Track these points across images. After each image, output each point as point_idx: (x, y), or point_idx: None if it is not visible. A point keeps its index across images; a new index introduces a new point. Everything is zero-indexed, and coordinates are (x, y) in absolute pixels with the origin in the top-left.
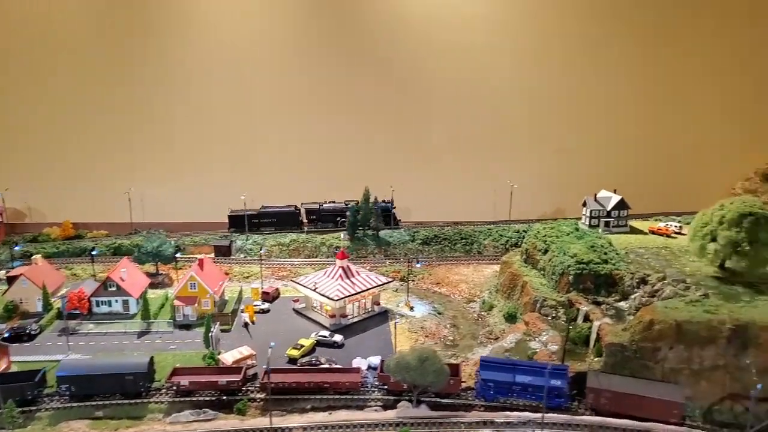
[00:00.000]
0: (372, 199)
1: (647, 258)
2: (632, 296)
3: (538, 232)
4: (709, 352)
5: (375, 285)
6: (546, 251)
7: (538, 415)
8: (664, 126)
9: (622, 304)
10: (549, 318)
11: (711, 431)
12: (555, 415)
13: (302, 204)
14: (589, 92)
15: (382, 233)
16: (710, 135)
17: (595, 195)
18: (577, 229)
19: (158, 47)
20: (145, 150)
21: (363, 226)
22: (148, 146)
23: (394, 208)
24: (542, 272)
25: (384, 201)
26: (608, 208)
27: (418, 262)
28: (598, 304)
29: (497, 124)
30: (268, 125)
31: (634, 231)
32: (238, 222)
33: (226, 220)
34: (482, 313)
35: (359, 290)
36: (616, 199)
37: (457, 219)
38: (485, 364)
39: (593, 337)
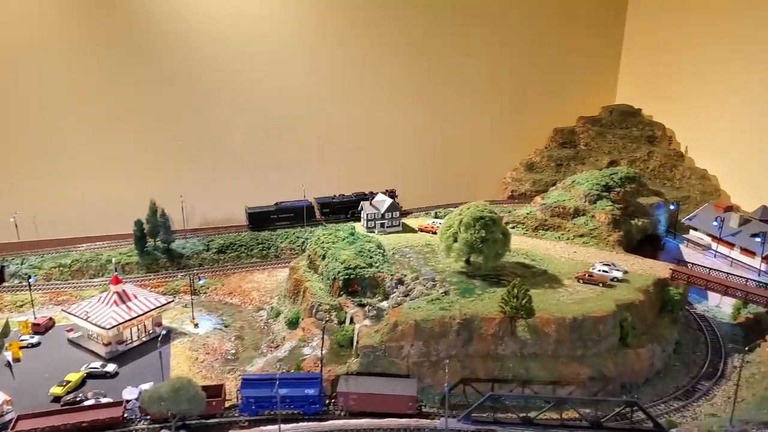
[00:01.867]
0: (159, 211)
1: (410, 257)
2: (392, 296)
3: (318, 237)
4: (443, 345)
5: (153, 307)
6: (324, 257)
7: (293, 425)
8: (443, 123)
9: (384, 305)
10: (323, 322)
11: (448, 414)
12: (305, 424)
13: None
14: (370, 91)
15: (173, 244)
16: (485, 130)
17: (371, 200)
18: (352, 234)
19: None
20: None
21: (153, 238)
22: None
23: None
24: (322, 277)
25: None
26: (382, 211)
27: (200, 279)
28: (362, 306)
29: (285, 125)
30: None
31: (408, 230)
32: (258, 218)
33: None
34: (269, 320)
35: (135, 315)
36: (388, 201)
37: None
38: (246, 382)
39: (356, 339)
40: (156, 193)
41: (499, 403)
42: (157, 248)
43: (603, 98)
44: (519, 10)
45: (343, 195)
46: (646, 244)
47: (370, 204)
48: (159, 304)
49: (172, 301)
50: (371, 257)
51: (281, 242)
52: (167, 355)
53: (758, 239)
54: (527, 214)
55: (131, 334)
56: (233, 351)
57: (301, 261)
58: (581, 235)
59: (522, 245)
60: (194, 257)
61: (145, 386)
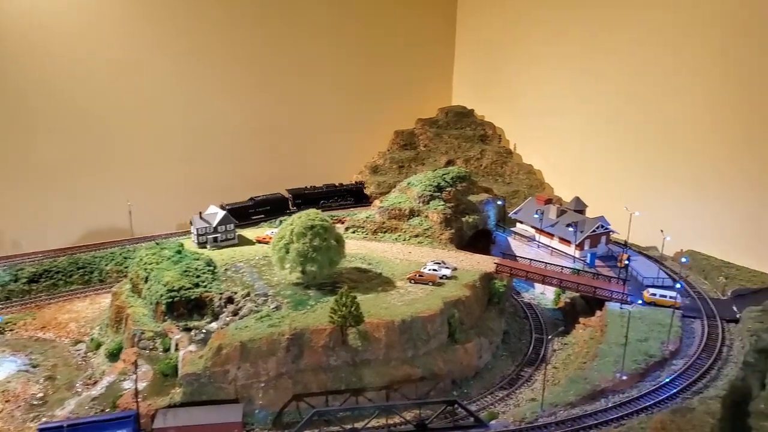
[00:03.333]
0: None
1: (243, 272)
2: (221, 317)
3: (141, 258)
4: (272, 363)
5: None
6: (147, 279)
7: None
8: (287, 130)
9: (213, 326)
10: (147, 351)
11: None
12: None
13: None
14: (207, 97)
15: None
16: (328, 135)
17: (200, 213)
18: (179, 252)
19: None
20: None
21: None
22: None
23: None
24: (146, 302)
25: None
26: (214, 224)
27: None
28: (189, 330)
29: (108, 136)
30: None
31: (245, 242)
32: (235, 214)
33: None
34: (88, 354)
35: None
36: (221, 213)
37: (73, 244)
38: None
39: (180, 367)
40: None
41: (330, 416)
42: None
43: (441, 100)
44: (354, 18)
45: (315, 186)
46: (480, 239)
47: (200, 217)
48: None
49: None
50: (198, 276)
51: (106, 264)
52: None
53: (571, 229)
54: (367, 217)
55: None
56: (41, 394)
57: (124, 285)
58: (416, 235)
59: (361, 249)
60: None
61: None
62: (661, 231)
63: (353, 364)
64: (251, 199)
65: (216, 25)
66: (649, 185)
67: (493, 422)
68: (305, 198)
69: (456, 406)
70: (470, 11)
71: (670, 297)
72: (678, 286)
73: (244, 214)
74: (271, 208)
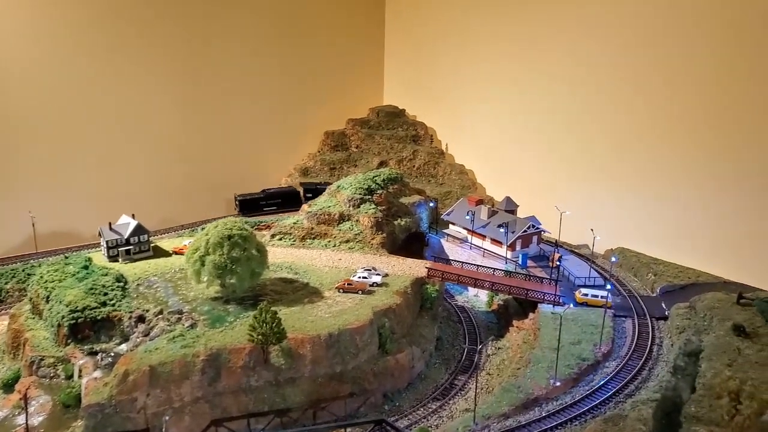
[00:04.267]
0: None
1: (157, 287)
2: (131, 338)
3: (42, 276)
4: (186, 387)
5: None
6: (48, 299)
7: None
8: (211, 133)
9: (123, 348)
10: (47, 380)
11: None
12: None
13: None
14: (126, 102)
15: None
16: (256, 138)
17: (110, 224)
18: (86, 267)
19: None
20: None
21: None
22: None
23: None
24: (47, 324)
25: None
26: (126, 236)
27: None
28: (94, 354)
29: (12, 141)
30: None
31: (161, 254)
32: (248, 205)
33: None
34: None
35: None
36: (133, 224)
37: None
38: None
39: (83, 396)
40: None
41: None
42: None
43: (372, 99)
44: (282, 19)
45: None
46: (413, 242)
47: (110, 229)
48: None
49: None
50: (106, 293)
51: (5, 282)
52: None
53: (502, 229)
54: (294, 223)
55: None
56: None
57: (23, 306)
58: (347, 241)
59: (288, 258)
60: None
61: None
62: (591, 230)
63: (276, 383)
64: (263, 191)
65: (135, 25)
66: (579, 184)
67: None
68: (316, 192)
69: (384, 425)
70: (399, 11)
71: (602, 297)
72: (608, 286)
73: (255, 205)
74: (282, 200)
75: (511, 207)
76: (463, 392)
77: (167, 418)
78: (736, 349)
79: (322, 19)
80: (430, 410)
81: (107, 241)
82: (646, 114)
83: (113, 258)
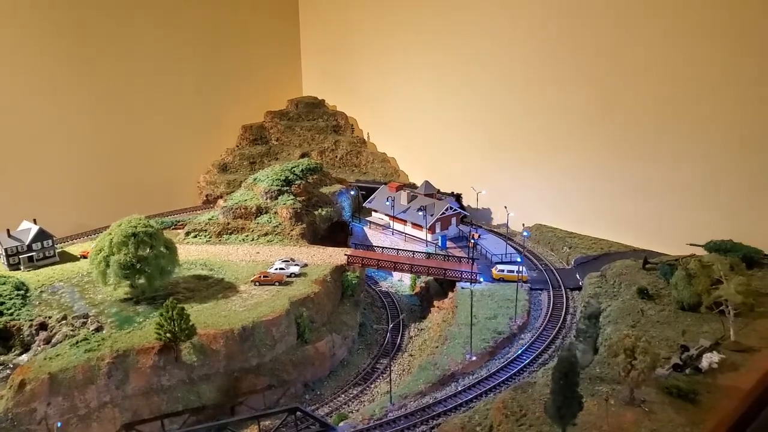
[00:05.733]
0: None
1: (62, 293)
2: (32, 347)
3: None
4: (91, 393)
5: None
6: None
7: None
8: (122, 132)
9: (24, 358)
10: None
11: None
12: None
13: None
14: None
15: None
16: (170, 135)
17: (8, 230)
18: None
19: None
20: None
21: None
22: None
23: None
24: None
25: None
26: (27, 242)
27: None
28: None
29: None
30: None
31: (69, 259)
32: None
33: None
34: None
35: None
36: (35, 229)
37: None
38: None
39: None
40: None
41: None
42: None
43: (290, 91)
44: (190, 11)
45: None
46: (337, 232)
47: (9, 235)
48: None
49: None
50: (3, 303)
51: None
52: None
53: (421, 213)
54: (209, 219)
55: None
56: None
57: None
58: (265, 234)
59: (202, 255)
60: None
61: None
62: (505, 207)
63: (190, 381)
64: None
65: (44, 18)
66: (496, 166)
67: (341, 424)
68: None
69: (298, 412)
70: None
71: (516, 272)
72: (519, 260)
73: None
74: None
75: (430, 191)
76: (384, 375)
77: (60, 424)
78: (639, 311)
79: (235, 12)
80: (352, 396)
81: (6, 249)
82: (554, 96)
83: (14, 266)
